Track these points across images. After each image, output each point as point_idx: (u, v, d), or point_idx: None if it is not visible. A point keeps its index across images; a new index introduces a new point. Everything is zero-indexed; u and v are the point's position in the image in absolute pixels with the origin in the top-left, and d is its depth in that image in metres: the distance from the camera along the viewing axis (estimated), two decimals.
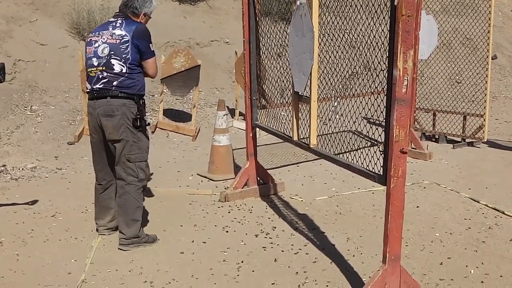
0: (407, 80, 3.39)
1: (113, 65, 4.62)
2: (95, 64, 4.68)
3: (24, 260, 4.60)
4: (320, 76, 4.59)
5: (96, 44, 4.70)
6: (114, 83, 4.62)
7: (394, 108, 3.42)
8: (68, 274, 4.36)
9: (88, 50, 4.76)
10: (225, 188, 6.32)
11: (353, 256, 4.67)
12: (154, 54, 4.84)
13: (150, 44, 4.77)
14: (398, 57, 3.34)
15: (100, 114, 4.65)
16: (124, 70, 4.63)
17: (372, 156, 3.99)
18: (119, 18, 4.78)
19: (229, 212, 5.71)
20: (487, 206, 5.87)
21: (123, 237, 4.79)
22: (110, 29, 4.70)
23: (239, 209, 5.79)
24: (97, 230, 5.12)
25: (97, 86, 4.67)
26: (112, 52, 4.63)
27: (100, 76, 4.65)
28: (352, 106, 4.43)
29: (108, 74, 4.63)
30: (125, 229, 4.78)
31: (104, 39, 4.68)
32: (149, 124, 4.83)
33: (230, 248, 4.84)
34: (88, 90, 4.79)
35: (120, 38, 4.63)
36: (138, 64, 4.73)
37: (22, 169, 7.13)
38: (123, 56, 4.62)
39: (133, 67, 4.66)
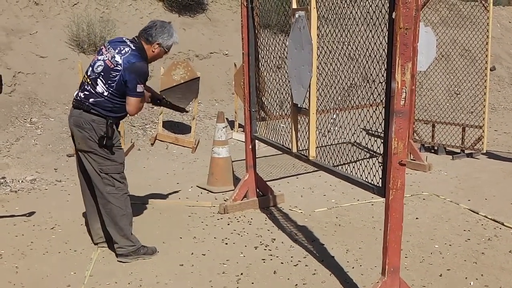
0: (405, 92, 3.41)
1: (97, 85, 4.63)
2: (88, 74, 4.72)
3: (24, 273, 4.59)
4: (319, 88, 4.61)
5: (100, 57, 4.71)
6: (90, 100, 4.62)
7: (393, 120, 3.43)
8: (67, 286, 4.35)
9: (94, 57, 4.79)
10: (225, 200, 6.33)
11: (353, 268, 4.67)
12: (139, 95, 4.67)
13: (139, 85, 4.62)
14: (396, 69, 3.36)
15: (72, 123, 4.70)
16: (105, 94, 4.62)
17: (371, 168, 4.01)
18: (131, 46, 4.72)
19: (228, 224, 5.71)
20: (487, 217, 5.87)
21: (117, 246, 4.81)
22: (116, 51, 4.67)
23: (238, 221, 5.79)
24: (95, 244, 5.12)
25: (81, 94, 4.71)
26: (102, 74, 4.63)
27: (85, 87, 4.69)
28: (351, 118, 4.44)
29: (90, 89, 4.65)
30: (117, 238, 4.80)
31: (106, 57, 4.67)
32: (115, 145, 4.76)
33: (230, 260, 4.84)
34: (74, 95, 4.81)
35: (115, 64, 4.61)
36: (122, 95, 4.66)
37: (22, 181, 7.13)
38: (109, 82, 4.61)
39: (115, 94, 4.64)
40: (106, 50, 4.73)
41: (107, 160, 4.71)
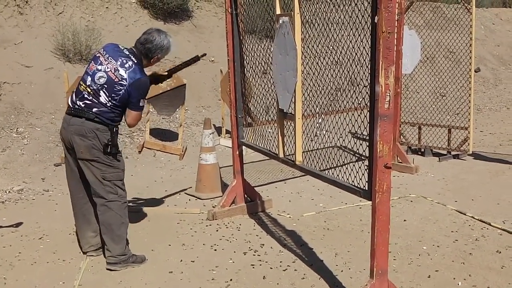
0: (389, 95, 3.43)
1: (100, 96, 4.64)
2: (88, 83, 4.69)
3: (12, 284, 4.57)
4: (304, 93, 4.63)
5: (100, 67, 4.69)
6: (94, 109, 4.63)
7: (377, 124, 3.46)
8: None
9: (91, 66, 4.75)
10: (213, 207, 6.33)
11: (342, 271, 4.69)
12: (141, 109, 4.82)
13: (142, 99, 4.76)
14: (380, 73, 3.38)
15: (73, 132, 4.66)
16: (108, 104, 4.65)
17: (357, 172, 4.03)
18: (131, 59, 4.74)
19: (217, 230, 5.71)
20: (474, 218, 5.91)
21: (109, 255, 4.79)
22: (118, 63, 4.68)
23: (227, 227, 5.80)
24: (80, 248, 5.11)
25: (80, 103, 4.68)
26: (106, 86, 4.64)
27: (85, 96, 4.67)
28: (337, 122, 4.46)
29: (93, 99, 4.65)
30: (111, 246, 4.78)
31: (108, 68, 4.67)
32: (120, 152, 4.80)
33: (219, 267, 4.84)
34: (69, 104, 4.79)
35: (120, 79, 4.64)
36: (122, 106, 4.73)
37: (9, 191, 7.09)
38: (113, 95, 4.64)
39: (117, 105, 4.68)
40: (105, 60, 4.72)
41: (110, 168, 4.73)
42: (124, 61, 4.72)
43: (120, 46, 4.90)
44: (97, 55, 4.81)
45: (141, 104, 4.78)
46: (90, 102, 4.65)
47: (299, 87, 4.46)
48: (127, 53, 4.80)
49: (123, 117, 4.83)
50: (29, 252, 5.22)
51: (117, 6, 11.73)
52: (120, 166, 4.83)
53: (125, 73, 4.66)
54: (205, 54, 5.58)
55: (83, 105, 4.67)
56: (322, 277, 4.56)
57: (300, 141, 4.63)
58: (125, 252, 4.82)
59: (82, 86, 4.73)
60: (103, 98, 4.64)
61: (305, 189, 7.14)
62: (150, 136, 9.08)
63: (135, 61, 4.76)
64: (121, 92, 4.64)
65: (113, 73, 4.65)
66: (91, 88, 4.66)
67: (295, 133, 4.61)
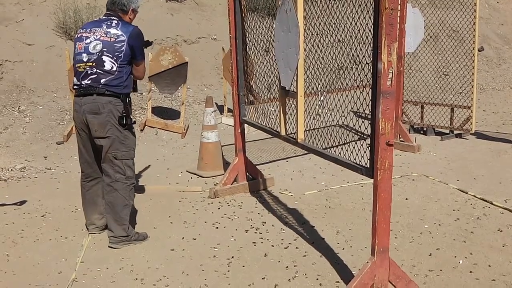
0: (392, 73, 3.41)
1: (104, 61, 4.62)
2: (85, 59, 4.67)
3: (15, 261, 4.59)
4: (306, 71, 4.61)
5: (88, 40, 4.69)
6: (102, 80, 4.62)
7: (380, 101, 3.44)
8: (59, 273, 4.36)
9: (78, 46, 4.75)
10: (215, 185, 6.33)
11: (343, 249, 4.70)
12: (144, 58, 4.89)
13: (142, 48, 4.82)
14: (382, 50, 3.36)
15: (86, 111, 4.65)
16: (114, 68, 4.64)
17: (359, 149, 4.02)
18: (113, 20, 4.77)
19: (219, 208, 5.73)
20: (475, 197, 5.91)
21: (112, 235, 4.81)
22: (104, 27, 4.70)
23: (228, 205, 5.81)
24: (87, 228, 5.13)
25: (85, 81, 4.67)
26: (105, 49, 4.63)
27: (89, 72, 4.65)
28: (339, 100, 4.44)
29: (97, 70, 4.63)
30: (114, 226, 4.79)
31: (97, 35, 4.68)
32: (134, 122, 4.82)
33: (220, 244, 4.85)
34: (75, 86, 4.78)
35: (116, 37, 4.64)
36: (128, 64, 4.73)
37: (11, 169, 7.11)
38: (116, 54, 4.63)
39: (123, 66, 4.67)
40: (88, 33, 4.74)
41: (122, 145, 4.73)
42: (108, 22, 4.75)
43: (96, 19, 4.98)
44: (78, 36, 4.83)
45: (143, 53, 4.85)
46: (96, 75, 4.64)
47: (301, 64, 4.44)
48: (105, 17, 4.85)
49: (132, 86, 4.87)
50: (31, 229, 5.24)
51: None
52: (132, 144, 4.84)
53: (117, 29, 4.69)
54: (152, 42, 5.61)
55: (89, 82, 4.66)
56: (323, 255, 4.58)
57: (302, 119, 4.62)
58: (127, 233, 4.83)
59: (81, 67, 4.71)
60: (108, 64, 4.63)
61: (307, 168, 7.14)
62: (152, 114, 9.09)
63: (117, 19, 4.80)
64: (123, 48, 4.65)
65: (106, 36, 4.67)
66: (91, 60, 4.65)
67: (297, 111, 4.59)
